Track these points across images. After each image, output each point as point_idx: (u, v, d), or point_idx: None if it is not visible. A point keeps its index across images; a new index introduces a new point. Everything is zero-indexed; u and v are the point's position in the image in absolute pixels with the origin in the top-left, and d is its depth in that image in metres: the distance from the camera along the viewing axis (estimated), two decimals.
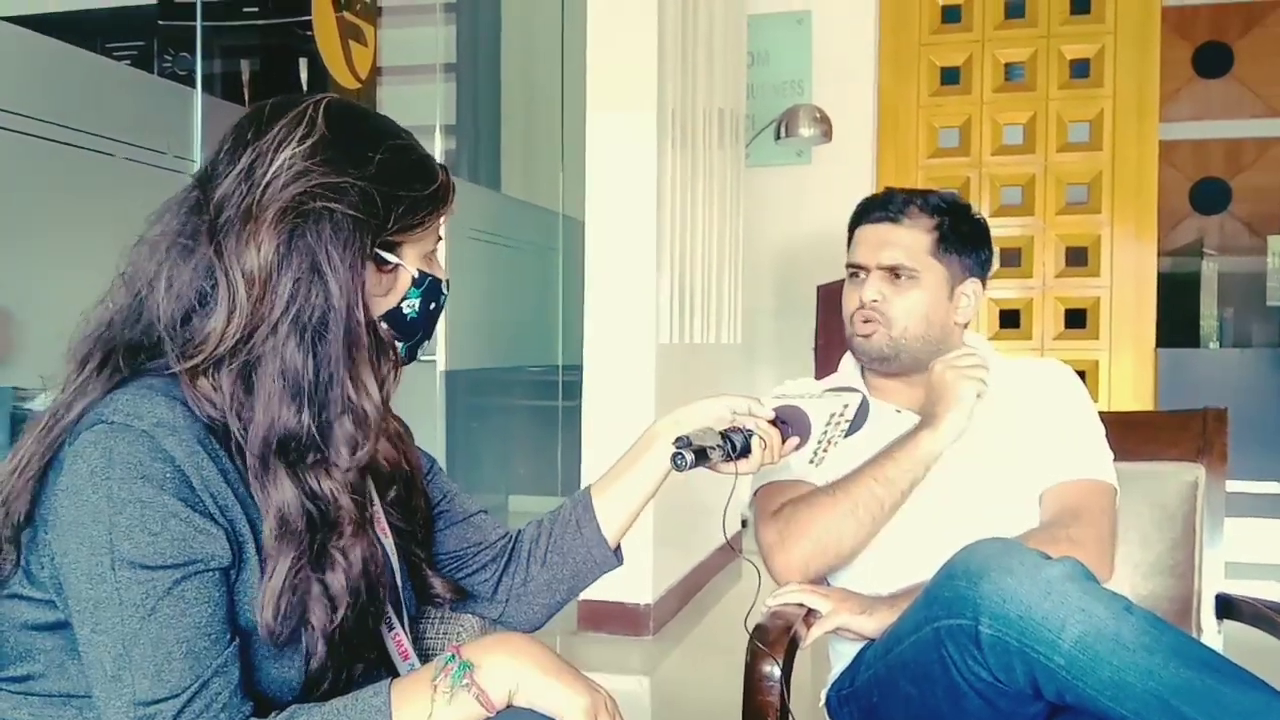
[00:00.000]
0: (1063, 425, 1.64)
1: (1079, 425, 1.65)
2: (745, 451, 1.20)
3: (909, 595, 1.44)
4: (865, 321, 1.66)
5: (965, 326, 1.73)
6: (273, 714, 0.94)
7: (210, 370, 0.97)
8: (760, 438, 1.21)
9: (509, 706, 0.95)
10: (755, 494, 1.69)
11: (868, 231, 1.69)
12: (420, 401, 3.74)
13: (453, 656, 0.95)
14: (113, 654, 0.91)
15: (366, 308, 1.02)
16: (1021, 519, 1.58)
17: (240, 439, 0.97)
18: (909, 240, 1.65)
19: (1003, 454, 1.61)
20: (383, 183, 1.01)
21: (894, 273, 1.64)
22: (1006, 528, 1.47)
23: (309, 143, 0.99)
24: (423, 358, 1.19)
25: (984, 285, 1.72)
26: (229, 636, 0.95)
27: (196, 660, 0.92)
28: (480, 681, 0.94)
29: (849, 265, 1.71)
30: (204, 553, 0.93)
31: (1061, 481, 1.60)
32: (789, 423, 1.26)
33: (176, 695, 0.91)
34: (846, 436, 1.35)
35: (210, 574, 0.94)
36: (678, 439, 1.17)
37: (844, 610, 1.50)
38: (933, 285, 1.65)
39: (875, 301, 1.64)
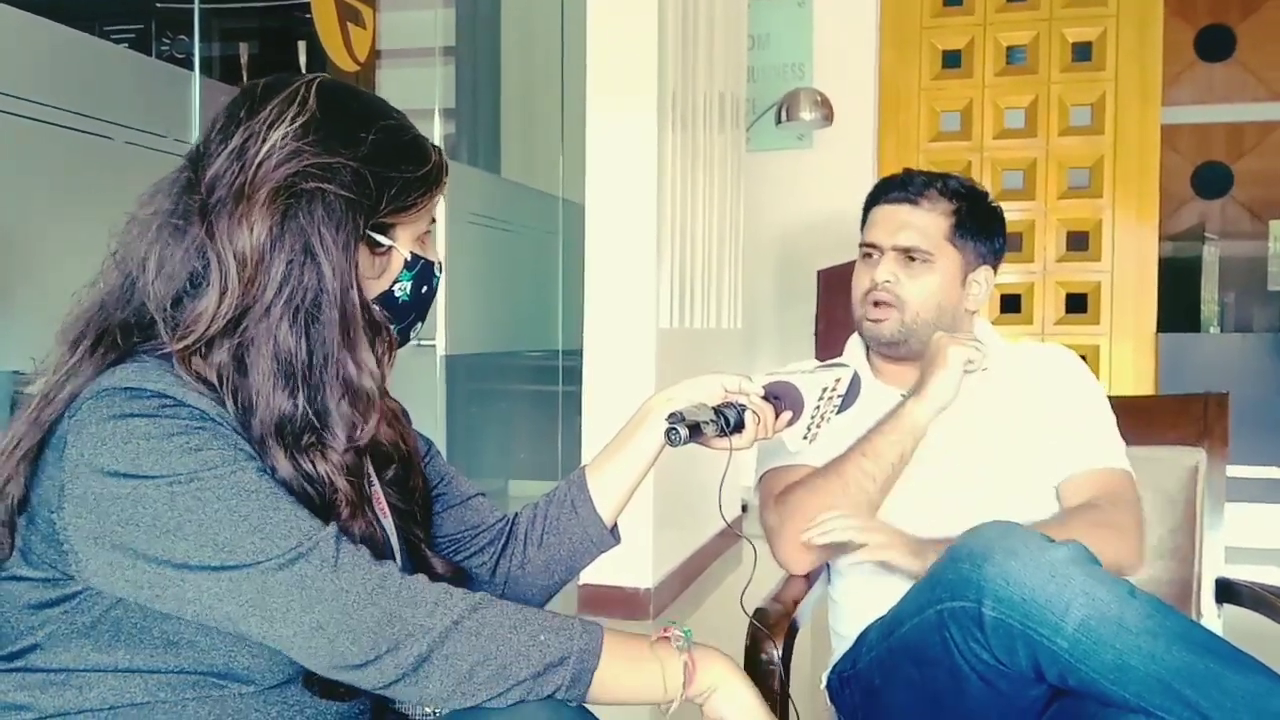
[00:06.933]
0: (1081, 413, 1.63)
1: (1097, 413, 1.64)
2: (739, 426, 1.19)
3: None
4: (876, 305, 1.64)
5: (975, 314, 1.71)
6: (461, 590, 0.96)
7: (203, 351, 0.97)
8: (753, 412, 1.20)
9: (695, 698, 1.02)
10: (759, 480, 1.68)
11: (884, 212, 1.66)
12: (420, 386, 3.73)
13: (674, 622, 1.02)
14: (235, 535, 0.90)
15: (360, 289, 1.01)
16: (1036, 507, 1.57)
17: (236, 422, 0.96)
18: (926, 223, 1.63)
19: (1013, 439, 1.60)
20: (375, 163, 1.01)
21: (909, 255, 1.62)
22: (1021, 517, 1.45)
23: (301, 122, 0.98)
24: (423, 342, 1.19)
25: (995, 273, 1.70)
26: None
27: (302, 516, 0.94)
28: (695, 655, 1.01)
29: (863, 245, 1.68)
30: (249, 451, 0.94)
31: (1089, 468, 1.59)
32: (781, 397, 1.25)
33: (318, 530, 0.93)
34: (839, 412, 1.34)
35: (263, 469, 0.95)
36: (671, 414, 1.16)
37: (895, 547, 1.46)
38: (946, 270, 1.63)
39: (888, 283, 1.62)
